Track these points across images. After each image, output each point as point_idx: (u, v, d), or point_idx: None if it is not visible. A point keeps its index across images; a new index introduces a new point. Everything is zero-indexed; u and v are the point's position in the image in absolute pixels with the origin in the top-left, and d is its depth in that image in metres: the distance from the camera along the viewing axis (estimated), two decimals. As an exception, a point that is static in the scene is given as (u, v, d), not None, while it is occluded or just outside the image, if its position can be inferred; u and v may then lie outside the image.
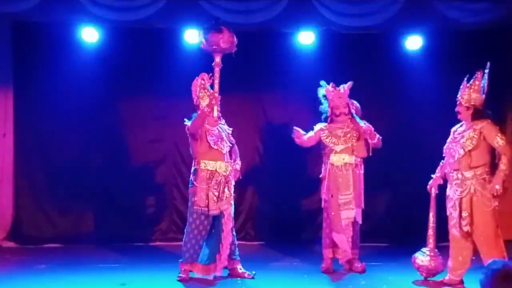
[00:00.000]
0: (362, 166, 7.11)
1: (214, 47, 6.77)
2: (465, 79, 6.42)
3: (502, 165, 6.18)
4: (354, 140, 7.07)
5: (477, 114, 6.32)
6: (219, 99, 6.69)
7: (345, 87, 7.05)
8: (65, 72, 8.52)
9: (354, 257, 7.07)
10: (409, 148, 8.77)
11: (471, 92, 6.35)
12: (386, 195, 8.89)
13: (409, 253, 7.41)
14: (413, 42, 8.54)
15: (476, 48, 8.37)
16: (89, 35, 8.34)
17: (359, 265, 7.08)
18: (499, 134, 6.24)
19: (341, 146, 7.05)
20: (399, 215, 8.83)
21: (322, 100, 7.22)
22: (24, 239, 8.49)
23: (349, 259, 7.05)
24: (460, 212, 6.28)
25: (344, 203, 6.99)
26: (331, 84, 7.13)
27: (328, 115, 7.17)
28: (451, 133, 6.53)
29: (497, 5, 7.59)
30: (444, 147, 6.53)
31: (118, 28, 8.07)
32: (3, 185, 8.52)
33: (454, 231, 6.38)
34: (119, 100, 8.81)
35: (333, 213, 7.00)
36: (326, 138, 7.11)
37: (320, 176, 7.24)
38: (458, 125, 6.50)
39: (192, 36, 8.14)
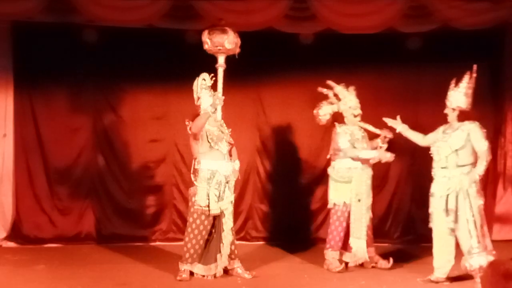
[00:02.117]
0: None
1: (218, 48, 6.78)
2: (452, 81, 6.52)
3: (481, 166, 6.33)
4: (368, 143, 7.17)
5: (464, 115, 6.47)
6: (223, 99, 6.71)
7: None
8: (65, 72, 8.53)
9: (372, 255, 7.16)
10: (409, 147, 8.77)
11: (457, 94, 6.50)
12: (386, 195, 8.88)
13: (409, 253, 7.44)
14: (413, 42, 8.55)
15: (476, 48, 8.37)
16: (89, 35, 8.36)
17: (386, 261, 7.13)
18: (484, 139, 6.40)
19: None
20: (399, 215, 8.83)
21: (333, 100, 7.22)
22: (24, 239, 8.48)
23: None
24: (446, 209, 6.37)
25: (369, 207, 7.11)
26: (342, 84, 7.16)
27: (347, 114, 7.18)
28: (440, 132, 6.63)
29: (497, 5, 7.59)
30: (432, 144, 6.63)
31: (118, 28, 8.06)
32: (3, 185, 8.52)
33: (436, 228, 6.48)
34: (119, 100, 8.80)
35: (369, 222, 7.13)
36: (355, 142, 7.12)
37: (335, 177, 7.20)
38: (448, 125, 6.61)
39: (192, 36, 8.13)
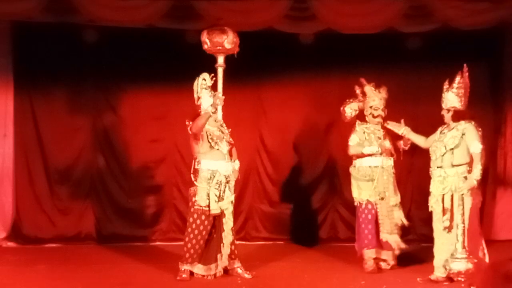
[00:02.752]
0: None
1: (218, 48, 6.78)
2: (446, 83, 6.52)
3: (476, 171, 6.31)
4: (391, 144, 7.18)
5: (458, 115, 6.46)
6: (223, 99, 6.71)
7: (384, 93, 7.19)
8: (65, 72, 8.54)
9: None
10: (409, 147, 8.77)
11: (450, 95, 6.50)
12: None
13: (409, 253, 7.42)
14: (413, 42, 8.56)
15: (476, 48, 8.37)
16: (89, 35, 8.36)
17: (386, 262, 7.14)
18: (478, 140, 6.38)
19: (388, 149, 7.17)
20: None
21: (361, 98, 7.26)
22: (24, 239, 8.49)
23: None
24: (442, 208, 6.41)
25: (396, 204, 7.12)
26: (371, 84, 7.18)
27: (367, 113, 7.21)
28: (438, 132, 6.64)
29: (497, 5, 7.59)
30: (430, 144, 6.66)
31: (118, 28, 8.06)
32: (3, 185, 8.53)
33: (436, 227, 6.51)
34: (119, 100, 8.81)
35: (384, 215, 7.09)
36: (374, 141, 7.13)
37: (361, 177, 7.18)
38: (445, 125, 6.62)
39: (192, 36, 8.12)
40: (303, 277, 6.88)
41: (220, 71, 6.85)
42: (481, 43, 8.43)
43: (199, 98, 6.73)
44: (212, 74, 6.78)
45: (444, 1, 7.61)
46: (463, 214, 6.30)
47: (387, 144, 7.12)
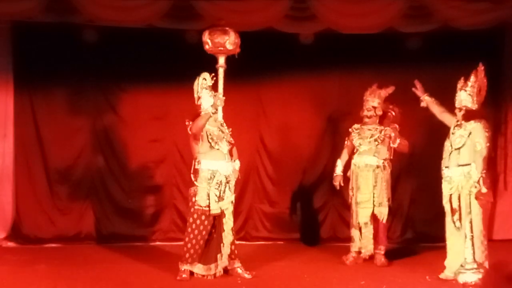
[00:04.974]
0: (387, 166, 7.39)
1: (219, 48, 6.78)
2: (460, 81, 6.53)
3: (475, 175, 6.31)
4: (378, 143, 7.30)
5: (470, 115, 6.45)
6: (224, 100, 6.71)
7: (380, 92, 7.38)
8: (65, 72, 8.54)
9: (378, 252, 7.37)
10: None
11: (462, 94, 6.50)
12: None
13: (408, 252, 7.43)
14: (413, 42, 8.56)
15: (476, 48, 8.37)
16: (89, 35, 8.37)
17: (380, 259, 7.30)
18: (482, 140, 6.35)
19: (364, 147, 7.34)
20: (399, 214, 8.83)
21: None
22: (24, 239, 8.49)
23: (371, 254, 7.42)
24: (451, 208, 6.43)
25: (362, 201, 7.28)
26: (375, 85, 7.35)
27: (362, 115, 7.49)
28: (451, 127, 6.64)
29: (497, 5, 7.60)
30: (443, 119, 6.76)
31: (118, 28, 8.06)
32: (3, 185, 8.53)
33: (447, 227, 6.53)
34: (119, 100, 8.81)
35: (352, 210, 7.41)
36: (353, 139, 7.45)
37: (348, 174, 7.50)
38: (458, 124, 6.60)
39: (192, 36, 8.12)
40: (303, 277, 6.88)
41: (221, 72, 6.85)
42: (481, 43, 8.42)
43: (199, 98, 6.72)
44: (213, 74, 6.77)
45: (444, 1, 7.62)
46: (471, 222, 6.29)
47: (373, 144, 7.30)
